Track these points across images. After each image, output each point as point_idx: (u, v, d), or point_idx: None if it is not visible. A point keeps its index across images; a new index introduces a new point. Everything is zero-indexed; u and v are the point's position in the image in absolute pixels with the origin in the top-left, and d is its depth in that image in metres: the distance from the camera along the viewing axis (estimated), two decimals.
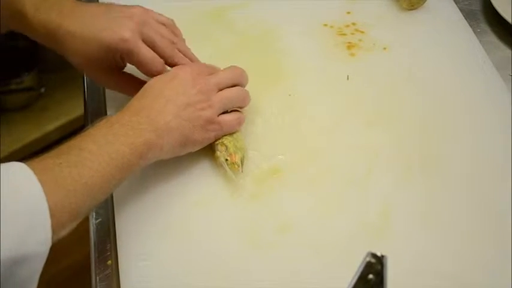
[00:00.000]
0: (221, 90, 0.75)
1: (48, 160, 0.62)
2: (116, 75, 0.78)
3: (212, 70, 0.77)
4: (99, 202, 0.65)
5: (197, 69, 0.75)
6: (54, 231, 0.58)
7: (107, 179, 0.64)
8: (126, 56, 0.75)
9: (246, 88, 0.79)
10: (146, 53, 0.74)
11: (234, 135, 0.76)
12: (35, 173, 0.59)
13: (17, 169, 0.59)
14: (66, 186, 0.60)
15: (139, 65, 0.75)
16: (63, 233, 0.60)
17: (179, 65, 0.77)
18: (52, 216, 0.58)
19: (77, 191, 0.61)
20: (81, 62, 0.76)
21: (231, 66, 0.79)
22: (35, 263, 0.57)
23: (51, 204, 0.58)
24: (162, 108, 0.70)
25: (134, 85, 0.75)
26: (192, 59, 0.79)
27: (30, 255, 0.56)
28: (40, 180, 0.58)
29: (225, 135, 0.75)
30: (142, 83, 0.74)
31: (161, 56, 0.75)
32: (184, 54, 0.78)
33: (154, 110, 0.69)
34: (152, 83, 0.72)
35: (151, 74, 0.75)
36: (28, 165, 0.59)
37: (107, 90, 0.85)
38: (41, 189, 0.58)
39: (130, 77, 0.78)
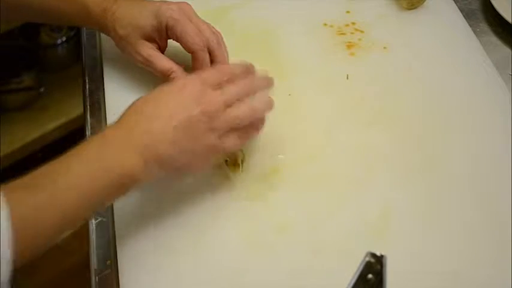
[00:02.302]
0: (229, 106, 0.68)
1: (16, 191, 0.59)
2: (153, 48, 0.79)
3: (226, 75, 0.71)
4: (72, 229, 0.61)
5: (209, 77, 0.69)
6: (16, 259, 0.56)
7: (78, 210, 0.61)
8: (171, 26, 0.77)
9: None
10: (192, 26, 0.77)
11: None
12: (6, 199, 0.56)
13: None
14: (30, 220, 0.57)
15: (181, 36, 0.77)
16: (28, 259, 0.58)
17: (218, 55, 0.79)
18: (14, 244, 0.55)
19: (42, 224, 0.58)
20: (127, 32, 0.78)
21: (247, 68, 0.73)
22: None
23: (17, 232, 0.55)
24: (160, 131, 0.64)
25: (167, 61, 0.78)
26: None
27: None
28: (9, 208, 0.55)
29: None
30: (175, 63, 0.78)
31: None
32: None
33: (151, 133, 0.64)
34: (156, 94, 0.68)
35: (193, 49, 0.77)
36: (3, 189, 0.57)
37: (106, 90, 0.85)
38: (8, 217, 0.55)
39: (164, 56, 0.80)
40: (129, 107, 0.67)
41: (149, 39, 0.79)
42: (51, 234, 0.60)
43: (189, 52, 0.79)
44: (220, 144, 0.67)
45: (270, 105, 0.71)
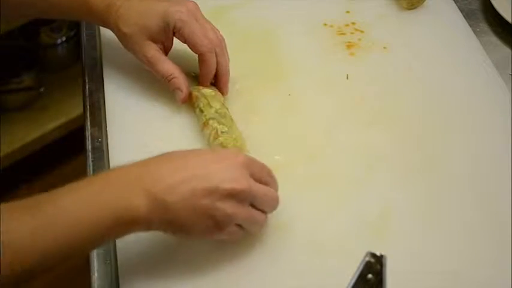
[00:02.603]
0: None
1: (15, 211, 0.57)
2: (158, 50, 0.79)
3: (264, 174, 0.67)
4: (68, 260, 0.59)
5: (252, 165, 0.65)
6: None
7: (75, 243, 0.58)
8: (179, 28, 0.77)
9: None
10: (198, 27, 0.77)
11: (234, 136, 0.76)
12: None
13: None
14: (23, 245, 0.56)
15: (189, 37, 0.77)
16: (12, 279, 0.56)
17: (220, 62, 0.78)
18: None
19: (34, 252, 0.56)
20: (132, 30, 0.78)
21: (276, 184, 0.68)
22: None
23: (8, 249, 0.54)
24: (175, 184, 0.60)
25: (169, 65, 0.78)
26: (226, 73, 0.80)
27: None
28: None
29: (225, 135, 0.75)
30: (177, 67, 0.78)
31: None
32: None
33: (163, 183, 0.60)
34: (189, 153, 0.64)
35: (201, 51, 0.77)
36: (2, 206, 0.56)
37: (106, 90, 0.85)
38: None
39: (168, 59, 0.80)
40: (157, 156, 0.63)
41: (154, 39, 0.79)
42: (44, 257, 0.57)
43: (196, 53, 0.79)
44: (229, 229, 0.64)
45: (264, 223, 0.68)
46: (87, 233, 0.59)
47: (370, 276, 0.55)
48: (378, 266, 0.55)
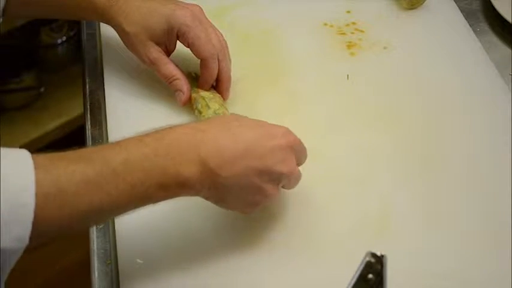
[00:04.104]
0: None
1: (62, 161, 0.56)
2: (160, 52, 0.79)
3: (303, 158, 0.69)
4: (99, 223, 0.59)
5: (297, 147, 0.67)
6: (34, 233, 0.53)
7: (116, 206, 0.58)
8: (183, 33, 0.77)
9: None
10: (203, 32, 0.77)
11: None
12: (39, 169, 0.54)
13: (19, 157, 0.54)
14: (65, 197, 0.55)
15: (193, 42, 0.77)
16: (44, 239, 0.55)
17: (222, 66, 0.79)
18: (36, 217, 0.53)
19: (74, 206, 0.55)
20: (135, 30, 0.78)
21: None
22: (6, 257, 0.53)
23: (39, 206, 0.53)
24: (231, 160, 0.61)
25: (171, 67, 0.79)
26: (227, 78, 0.81)
27: (2, 249, 0.52)
28: (39, 180, 0.53)
29: None
30: (178, 69, 0.79)
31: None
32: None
33: (219, 156, 0.60)
34: (243, 128, 0.64)
35: (204, 56, 0.77)
36: (36, 158, 0.54)
37: (106, 90, 0.85)
38: (33, 186, 0.53)
39: (171, 61, 0.80)
40: (213, 122, 0.64)
41: (157, 41, 0.79)
42: (79, 213, 0.56)
43: (199, 58, 0.79)
44: (260, 205, 0.66)
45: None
46: (129, 192, 0.57)
47: (370, 276, 0.55)
48: (379, 266, 0.55)
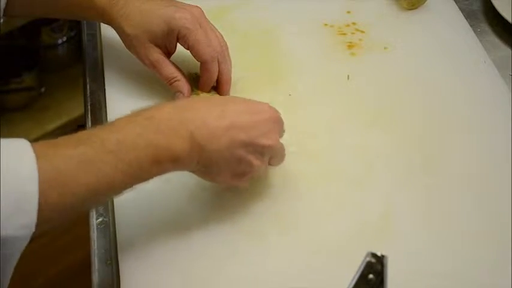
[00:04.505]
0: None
1: (59, 148, 0.59)
2: (161, 53, 0.79)
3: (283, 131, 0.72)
4: (99, 204, 0.62)
5: (280, 122, 0.70)
6: (39, 220, 0.55)
7: (114, 185, 0.60)
8: (183, 35, 0.77)
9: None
10: (203, 35, 0.77)
11: None
12: (40, 156, 0.55)
13: (19, 147, 0.56)
14: (65, 181, 0.57)
15: (193, 45, 0.77)
16: (49, 225, 0.57)
17: (223, 69, 0.79)
18: (40, 204, 0.55)
19: (75, 190, 0.58)
20: (136, 32, 0.78)
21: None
22: (13, 245, 0.55)
23: (42, 193, 0.55)
24: (218, 134, 0.64)
25: (172, 69, 0.79)
26: (227, 80, 0.81)
27: (10, 238, 0.54)
28: (40, 168, 0.55)
29: None
30: (179, 70, 0.79)
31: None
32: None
33: (207, 130, 0.63)
34: (228, 104, 0.67)
35: (204, 59, 0.78)
36: (36, 146, 0.56)
37: (107, 90, 0.85)
38: (36, 174, 0.55)
39: (171, 62, 0.80)
40: (199, 101, 0.68)
41: (157, 43, 0.78)
42: (80, 196, 0.58)
43: (199, 61, 0.79)
44: (248, 176, 0.68)
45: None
46: (125, 171, 0.60)
47: (371, 276, 0.55)
48: (379, 266, 0.55)
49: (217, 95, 0.81)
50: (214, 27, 0.80)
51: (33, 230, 0.55)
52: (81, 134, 0.61)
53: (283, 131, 0.71)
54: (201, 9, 0.79)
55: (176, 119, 0.63)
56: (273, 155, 0.69)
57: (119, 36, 0.81)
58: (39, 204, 0.55)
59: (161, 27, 0.77)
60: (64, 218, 0.59)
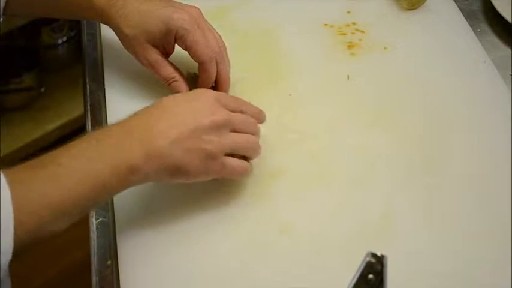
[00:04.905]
0: (234, 131, 0.70)
1: (20, 173, 0.60)
2: (159, 54, 0.79)
3: (237, 104, 0.72)
4: (72, 220, 0.61)
5: (223, 98, 0.70)
6: (16, 245, 0.56)
7: (79, 199, 0.61)
8: (181, 36, 0.77)
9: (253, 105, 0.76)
10: (201, 36, 0.77)
11: None
12: (13, 184, 0.57)
13: None
14: (30, 202, 0.58)
15: (191, 46, 0.77)
16: (21, 248, 0.57)
17: (221, 69, 0.78)
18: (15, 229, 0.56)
19: (41, 210, 0.58)
20: (134, 33, 0.78)
21: (254, 108, 0.74)
22: None
23: (16, 218, 0.56)
24: (161, 131, 0.65)
25: (170, 69, 0.79)
26: (226, 80, 0.81)
27: None
28: (12, 193, 0.56)
29: None
30: (178, 71, 0.79)
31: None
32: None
33: (151, 132, 0.65)
34: (165, 102, 0.68)
35: (202, 60, 0.77)
36: (1, 173, 0.57)
37: (107, 90, 0.85)
38: (10, 202, 0.56)
39: (170, 62, 0.80)
40: (140, 110, 0.68)
41: (156, 44, 0.78)
42: (53, 213, 0.59)
43: (197, 62, 0.79)
44: (222, 158, 0.68)
45: (258, 152, 0.73)
46: (88, 187, 0.61)
47: (371, 276, 0.55)
48: (379, 266, 0.55)
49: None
50: (212, 27, 0.80)
51: (10, 257, 0.56)
52: (41, 157, 0.62)
53: (250, 107, 0.72)
54: (199, 10, 0.79)
55: (125, 127, 0.65)
56: (238, 127, 0.69)
57: (117, 36, 0.81)
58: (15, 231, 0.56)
59: (159, 28, 0.77)
60: (39, 239, 0.60)
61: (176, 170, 0.66)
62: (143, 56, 0.79)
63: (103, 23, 0.83)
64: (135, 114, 0.67)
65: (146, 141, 0.64)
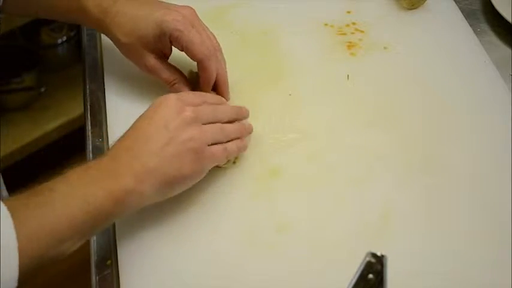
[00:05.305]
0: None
1: (16, 201, 0.60)
2: (158, 58, 0.79)
3: (200, 98, 0.74)
4: (73, 247, 0.62)
5: (184, 96, 0.72)
6: (20, 276, 0.57)
7: (76, 224, 0.61)
8: (176, 38, 0.76)
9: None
10: (196, 34, 0.77)
11: None
12: (15, 220, 0.57)
13: None
14: (29, 229, 0.58)
15: (186, 46, 0.77)
16: (25, 275, 0.59)
17: (212, 72, 0.78)
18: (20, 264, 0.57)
19: (40, 235, 0.59)
20: (130, 40, 0.78)
21: (216, 97, 0.77)
22: None
23: (21, 248, 0.57)
24: (141, 148, 0.66)
25: (170, 72, 0.80)
26: (224, 80, 0.80)
27: None
28: (16, 224, 0.57)
29: None
30: (178, 72, 0.80)
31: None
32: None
33: (133, 152, 0.66)
34: (135, 123, 0.69)
35: (199, 58, 0.77)
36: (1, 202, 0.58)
37: (107, 90, 0.85)
38: (13, 228, 0.57)
39: (169, 64, 0.81)
40: (120, 136, 0.68)
41: (152, 49, 0.78)
42: (53, 239, 0.60)
43: (195, 61, 0.79)
44: (208, 148, 0.69)
45: (243, 149, 0.75)
46: (83, 212, 0.61)
47: (370, 276, 0.55)
48: (379, 266, 0.55)
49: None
50: (207, 27, 0.79)
51: (15, 285, 0.57)
52: (37, 187, 0.62)
53: (214, 98, 0.75)
54: (193, 10, 0.79)
55: (110, 158, 0.66)
56: (211, 116, 0.70)
57: (115, 44, 0.81)
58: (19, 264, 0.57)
59: (153, 32, 0.77)
60: (43, 265, 0.61)
61: (172, 179, 0.67)
62: (141, 63, 0.80)
63: (99, 32, 0.83)
64: (118, 141, 0.68)
65: (130, 163, 0.65)
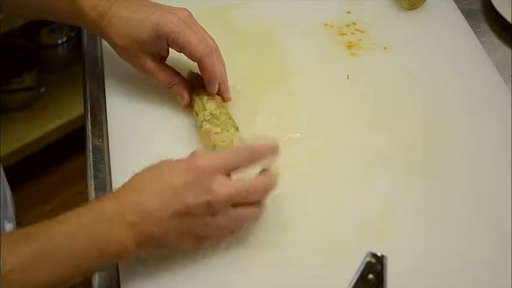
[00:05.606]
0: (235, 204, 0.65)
1: (11, 244, 0.59)
2: (155, 61, 0.79)
3: (243, 158, 0.66)
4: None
5: (216, 166, 0.64)
6: None
7: (64, 275, 0.61)
8: (173, 39, 0.76)
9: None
10: (192, 34, 0.76)
11: (228, 136, 0.75)
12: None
13: None
14: (16, 279, 0.58)
15: (184, 47, 0.76)
16: None
17: (214, 69, 0.77)
18: None
19: (33, 281, 0.59)
20: (126, 44, 0.78)
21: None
22: None
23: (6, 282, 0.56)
24: (153, 211, 0.62)
25: (168, 74, 0.79)
26: (223, 79, 0.79)
27: None
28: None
29: (218, 137, 0.75)
30: (176, 74, 0.79)
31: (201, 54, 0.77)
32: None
33: (143, 214, 0.62)
34: (156, 171, 0.64)
35: (198, 56, 0.76)
36: None
37: (107, 90, 0.85)
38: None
39: (167, 66, 0.80)
40: (129, 180, 0.65)
41: (149, 52, 0.78)
42: (44, 284, 0.60)
43: (194, 61, 0.78)
44: (207, 238, 0.67)
45: (257, 216, 0.68)
46: (74, 267, 0.61)
47: (370, 276, 0.55)
48: (379, 266, 0.55)
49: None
50: (204, 29, 0.79)
51: None
52: (32, 227, 0.61)
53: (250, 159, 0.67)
54: (189, 12, 0.78)
55: (112, 208, 0.63)
56: (239, 200, 0.65)
57: (112, 48, 0.81)
58: None
59: (149, 35, 0.76)
60: None
61: (166, 248, 0.66)
62: (139, 65, 0.80)
63: (96, 35, 0.83)
64: (128, 184, 0.64)
65: (138, 226, 0.62)
